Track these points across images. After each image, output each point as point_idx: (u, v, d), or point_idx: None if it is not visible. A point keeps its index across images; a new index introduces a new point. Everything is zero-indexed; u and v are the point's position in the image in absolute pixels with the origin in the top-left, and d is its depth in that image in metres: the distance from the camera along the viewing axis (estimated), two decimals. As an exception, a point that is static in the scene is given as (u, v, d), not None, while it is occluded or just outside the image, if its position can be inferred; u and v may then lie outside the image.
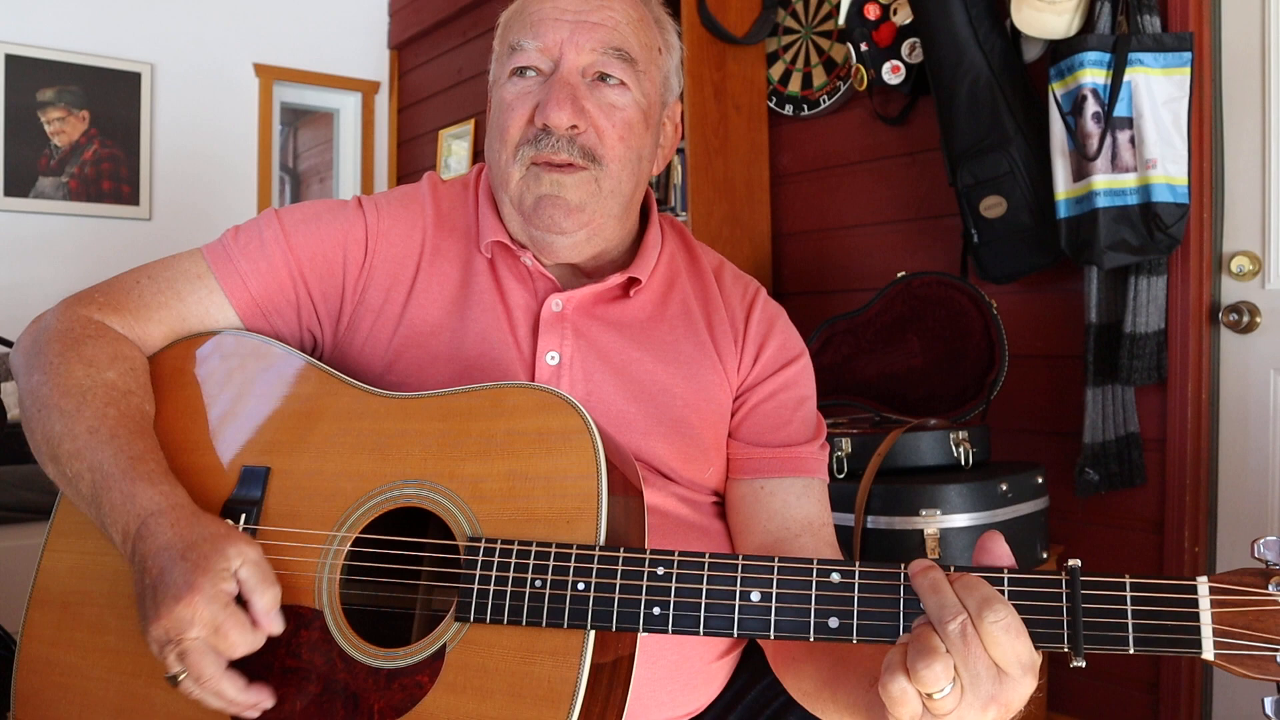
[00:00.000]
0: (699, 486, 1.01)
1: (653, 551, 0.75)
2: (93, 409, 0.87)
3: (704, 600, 0.73)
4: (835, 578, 0.71)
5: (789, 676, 0.92)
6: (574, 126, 0.95)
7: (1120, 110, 1.89)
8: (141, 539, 0.80)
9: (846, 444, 1.90)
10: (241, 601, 0.78)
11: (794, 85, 2.77)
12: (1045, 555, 1.92)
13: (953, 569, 0.68)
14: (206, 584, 0.75)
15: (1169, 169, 1.87)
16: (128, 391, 0.91)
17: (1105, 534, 2.15)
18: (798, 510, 1.00)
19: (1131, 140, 1.89)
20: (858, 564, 0.71)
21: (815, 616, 0.71)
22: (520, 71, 0.98)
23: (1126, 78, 1.88)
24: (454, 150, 4.16)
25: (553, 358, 0.98)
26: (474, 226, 1.05)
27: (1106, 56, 1.89)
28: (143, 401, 0.92)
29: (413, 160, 4.54)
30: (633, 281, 1.03)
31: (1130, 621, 0.65)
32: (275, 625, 0.78)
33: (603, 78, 0.97)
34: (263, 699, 0.78)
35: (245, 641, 0.76)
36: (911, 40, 2.37)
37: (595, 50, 0.96)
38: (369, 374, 0.99)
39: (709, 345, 1.04)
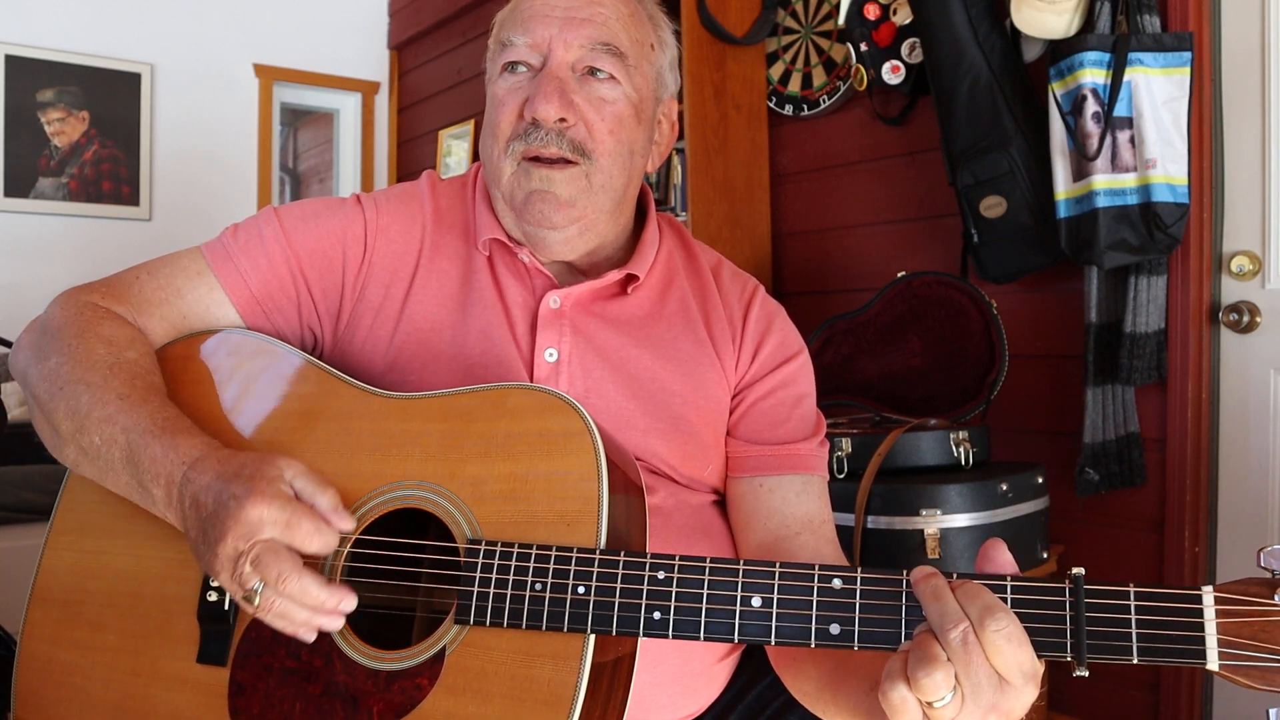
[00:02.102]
0: (698, 484, 1.01)
1: (653, 555, 0.75)
2: (120, 379, 0.87)
3: (705, 605, 0.73)
4: (837, 584, 0.71)
5: (790, 677, 0.92)
6: (563, 120, 0.95)
7: (1120, 110, 1.89)
8: (189, 481, 0.79)
9: (846, 444, 1.90)
10: None
11: (794, 85, 2.77)
12: (1045, 555, 1.92)
13: (955, 576, 0.68)
14: (266, 486, 0.75)
15: (1169, 169, 1.87)
16: (149, 370, 0.91)
17: (1105, 534, 2.15)
18: (797, 508, 1.00)
19: (1131, 140, 1.89)
20: (859, 570, 0.71)
21: (816, 623, 0.71)
22: (511, 67, 0.99)
23: (1126, 77, 1.87)
24: (454, 150, 4.16)
25: (551, 355, 0.98)
26: (472, 224, 1.05)
27: (1106, 56, 1.89)
28: (161, 382, 0.92)
29: (413, 160, 4.54)
30: (631, 278, 1.03)
31: (1134, 631, 0.65)
32: (345, 521, 0.78)
33: (592, 72, 0.97)
34: (346, 596, 0.76)
35: (319, 533, 0.75)
36: (911, 40, 2.37)
37: (584, 45, 0.96)
38: (370, 371, 0.99)
39: (707, 343, 1.04)
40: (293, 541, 0.74)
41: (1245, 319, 1.97)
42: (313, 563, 0.83)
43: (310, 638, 0.77)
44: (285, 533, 0.74)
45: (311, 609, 0.75)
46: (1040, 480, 1.91)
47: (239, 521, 0.73)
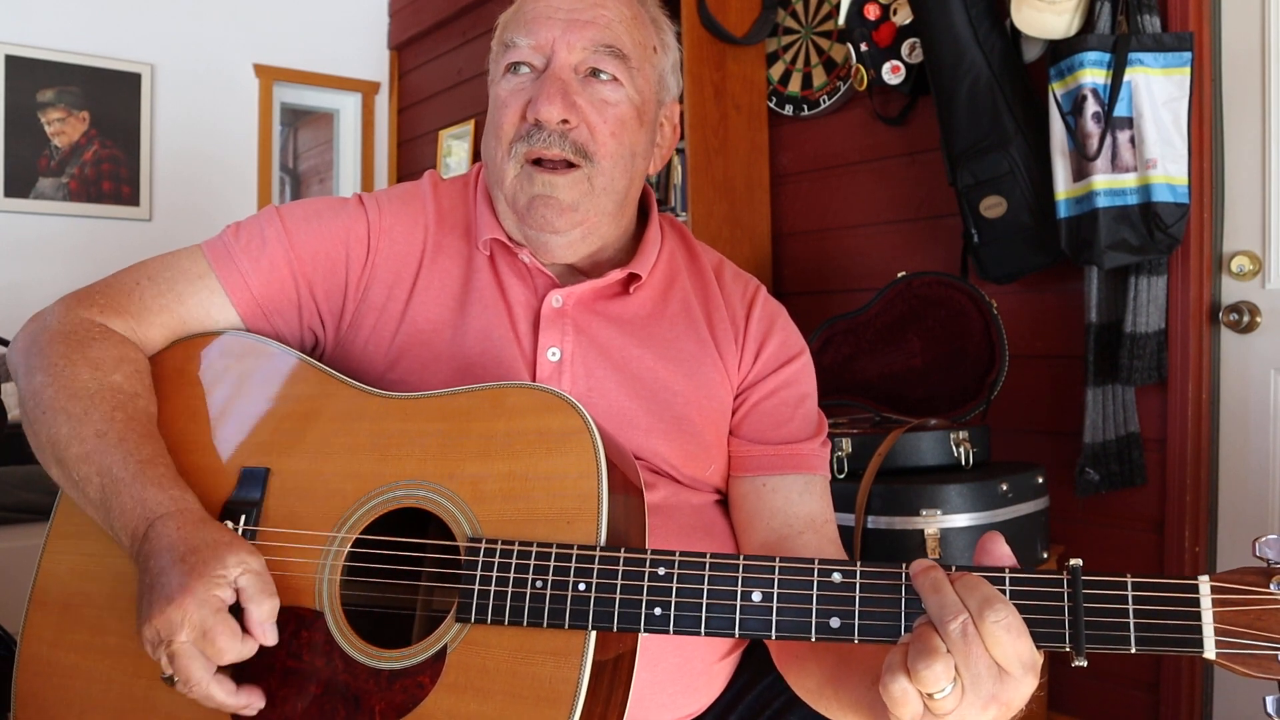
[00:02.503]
0: (700, 484, 1.01)
1: (654, 552, 0.75)
2: (100, 412, 0.87)
3: (705, 600, 0.73)
4: (837, 578, 0.71)
5: (793, 674, 0.92)
6: (565, 121, 0.95)
7: (1120, 110, 1.89)
8: (147, 540, 0.80)
9: (847, 444, 1.90)
10: (238, 611, 0.77)
11: (794, 85, 2.77)
12: (1045, 555, 1.92)
13: (954, 569, 0.68)
14: (200, 588, 0.75)
15: (1169, 169, 1.87)
16: (134, 394, 0.91)
17: (1105, 534, 2.15)
18: (800, 507, 1.00)
19: (1131, 140, 1.89)
20: (859, 564, 0.71)
21: (817, 616, 0.71)
22: (514, 68, 0.99)
23: (1126, 78, 1.88)
24: (454, 150, 4.16)
25: (554, 354, 0.98)
26: (473, 224, 1.05)
27: (1106, 56, 1.89)
28: (148, 404, 0.92)
29: (413, 161, 4.54)
30: (633, 278, 1.03)
31: (1132, 621, 0.65)
32: (268, 636, 0.78)
33: (595, 74, 0.97)
34: (254, 700, 0.78)
35: (233, 649, 0.76)
36: (911, 40, 2.37)
37: (587, 47, 0.96)
38: (371, 372, 0.99)
39: (709, 343, 1.04)
40: (205, 652, 0.75)
41: (1245, 319, 1.97)
42: (310, 563, 0.83)
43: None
44: (200, 642, 0.75)
45: (218, 706, 0.77)
46: (1040, 480, 1.91)
47: (162, 615, 0.75)
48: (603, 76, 0.97)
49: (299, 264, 1.00)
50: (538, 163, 0.97)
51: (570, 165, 0.97)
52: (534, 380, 0.97)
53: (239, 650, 0.76)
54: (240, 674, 0.79)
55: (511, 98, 0.98)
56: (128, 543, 0.82)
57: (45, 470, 0.91)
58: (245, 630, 0.77)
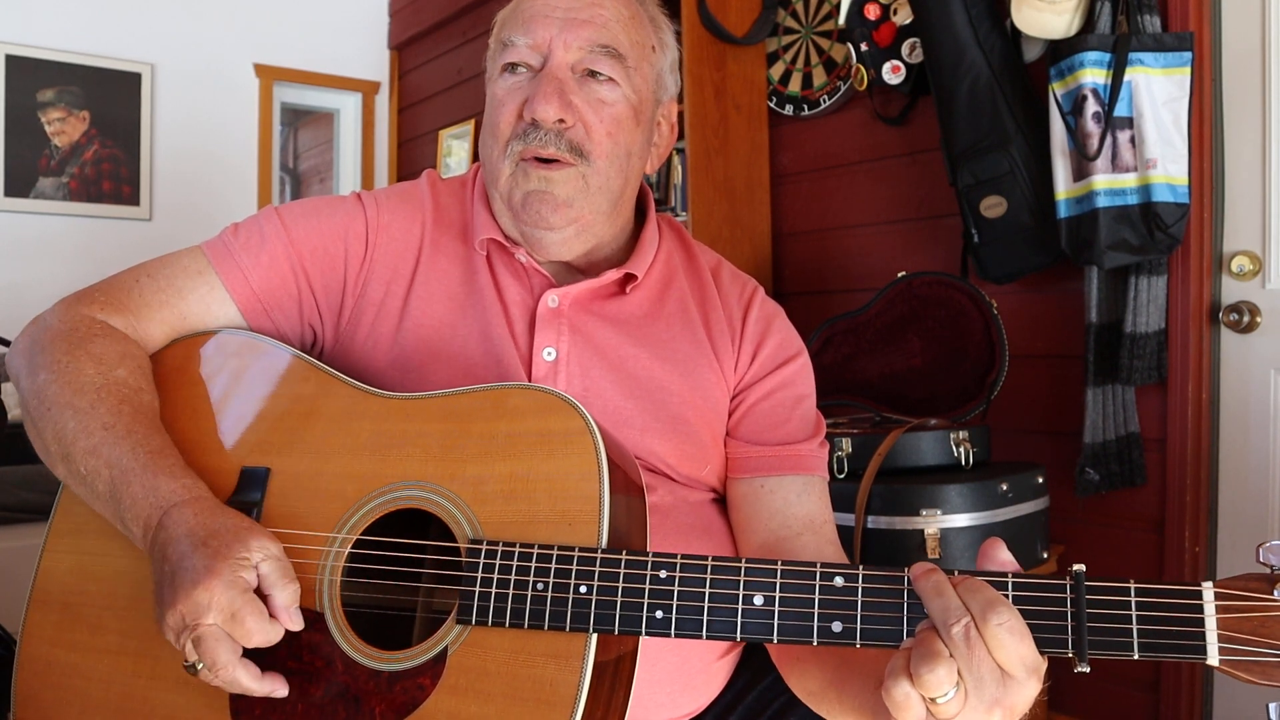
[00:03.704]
0: (697, 484, 1.01)
1: (655, 554, 0.74)
2: (107, 406, 0.87)
3: (707, 604, 0.73)
4: (839, 581, 0.71)
5: (793, 676, 0.92)
6: (561, 121, 0.95)
7: (1120, 110, 1.89)
8: (163, 528, 0.80)
9: (847, 444, 1.90)
10: (259, 597, 0.77)
11: (794, 85, 2.77)
12: (1045, 555, 1.92)
13: (956, 572, 0.68)
14: (226, 570, 0.75)
15: (1169, 169, 1.87)
16: (138, 389, 0.91)
17: (1105, 534, 2.15)
18: (798, 508, 1.00)
19: (1132, 140, 1.89)
20: (861, 568, 0.71)
21: (819, 620, 0.71)
22: (511, 68, 0.99)
23: (1127, 77, 1.87)
24: (454, 150, 4.15)
25: (549, 354, 0.98)
26: (470, 223, 1.05)
27: (1107, 56, 1.89)
28: (152, 399, 0.92)
29: (413, 160, 4.54)
30: (629, 278, 1.03)
31: (1135, 627, 0.65)
32: (294, 621, 0.78)
33: (592, 74, 0.97)
34: (277, 687, 0.78)
35: (262, 631, 0.76)
36: (911, 40, 2.37)
37: (583, 47, 0.96)
38: (370, 370, 0.99)
39: (706, 343, 1.04)
40: (233, 634, 0.75)
41: (1245, 319, 1.97)
42: (311, 564, 0.83)
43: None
44: (228, 623, 0.75)
45: (242, 691, 0.77)
46: (1040, 480, 1.91)
47: (189, 598, 0.74)
48: (599, 76, 0.97)
49: (298, 258, 1.00)
50: (534, 160, 0.97)
51: (566, 163, 0.97)
52: (530, 380, 0.97)
53: (266, 633, 0.76)
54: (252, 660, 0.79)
55: (508, 97, 0.98)
56: (140, 533, 0.82)
57: (49, 469, 0.91)
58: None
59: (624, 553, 0.75)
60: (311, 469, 0.87)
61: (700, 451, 1.00)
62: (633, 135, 1.00)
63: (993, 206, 2.14)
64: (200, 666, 0.75)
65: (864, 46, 2.45)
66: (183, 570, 0.76)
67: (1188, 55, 1.88)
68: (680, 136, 2.73)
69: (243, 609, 0.75)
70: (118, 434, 0.85)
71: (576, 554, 0.75)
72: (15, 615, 0.96)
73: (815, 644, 0.70)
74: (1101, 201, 1.90)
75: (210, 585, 0.74)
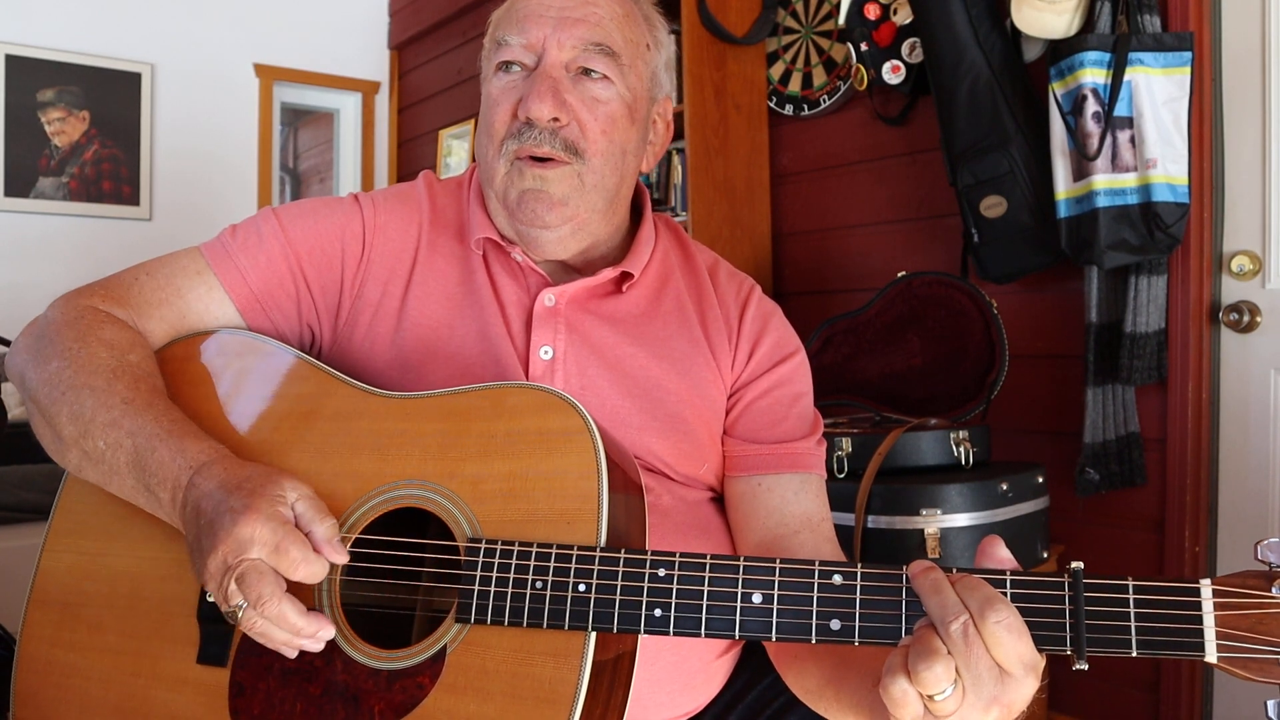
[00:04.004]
0: (695, 483, 1.01)
1: (654, 553, 0.75)
2: (124, 383, 0.87)
3: (705, 602, 0.73)
4: (837, 579, 0.71)
5: (792, 675, 0.92)
6: (556, 119, 0.95)
7: (1120, 110, 1.89)
8: (194, 486, 0.80)
9: (847, 444, 1.90)
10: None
11: (794, 85, 2.77)
12: (1045, 555, 1.92)
13: (954, 570, 0.68)
14: (264, 504, 0.75)
15: (1169, 169, 1.87)
16: (151, 373, 0.91)
17: (1105, 534, 2.15)
18: (796, 506, 1.00)
19: (1132, 140, 1.89)
20: (859, 566, 0.71)
21: (817, 618, 0.71)
22: (505, 67, 0.99)
23: (1126, 77, 1.87)
24: (454, 150, 4.16)
25: (546, 352, 0.98)
26: (466, 223, 1.05)
27: (1107, 56, 1.89)
28: (163, 385, 0.92)
29: (413, 160, 4.54)
30: (626, 277, 1.03)
31: (1133, 624, 0.65)
32: (338, 554, 0.78)
33: (586, 72, 0.97)
34: (324, 626, 0.76)
35: (307, 561, 0.75)
36: (911, 40, 2.37)
37: (577, 46, 0.96)
38: (369, 370, 0.99)
39: (703, 342, 1.04)
40: (279, 566, 0.74)
41: (1245, 319, 1.97)
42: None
43: (291, 654, 0.78)
44: (273, 556, 0.74)
45: (290, 633, 0.75)
46: (1040, 480, 1.91)
47: (230, 536, 0.74)
48: (594, 75, 0.98)
49: (295, 259, 1.00)
50: (529, 158, 0.97)
51: (561, 161, 0.97)
52: (527, 379, 0.97)
53: (312, 564, 0.75)
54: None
55: (503, 96, 0.98)
56: (169, 496, 0.82)
57: (58, 461, 0.91)
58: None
59: (622, 551, 0.75)
60: (311, 468, 0.87)
61: (698, 450, 1.00)
62: (628, 133, 1.01)
63: (993, 206, 2.14)
64: (243, 609, 0.74)
65: (864, 46, 2.45)
66: (220, 515, 0.75)
67: (1188, 55, 1.88)
68: (680, 136, 2.74)
69: (285, 539, 0.75)
70: (138, 406, 0.85)
71: (575, 552, 0.76)
72: (15, 615, 0.96)
73: (814, 642, 0.70)
74: (1101, 201, 1.90)
75: (251, 520, 0.74)
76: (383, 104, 4.68)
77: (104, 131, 3.90)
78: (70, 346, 0.90)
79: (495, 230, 1.02)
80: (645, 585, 0.74)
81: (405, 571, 0.84)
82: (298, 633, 0.75)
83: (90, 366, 0.88)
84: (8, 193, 3.72)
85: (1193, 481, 2.00)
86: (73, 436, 0.87)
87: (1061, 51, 1.95)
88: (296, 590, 0.78)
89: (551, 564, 0.76)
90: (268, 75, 4.29)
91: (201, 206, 4.07)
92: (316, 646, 0.77)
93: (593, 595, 0.74)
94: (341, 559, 0.78)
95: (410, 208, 1.06)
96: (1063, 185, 1.98)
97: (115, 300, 0.97)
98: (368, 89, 4.63)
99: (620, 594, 0.74)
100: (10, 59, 3.71)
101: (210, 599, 0.81)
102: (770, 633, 0.71)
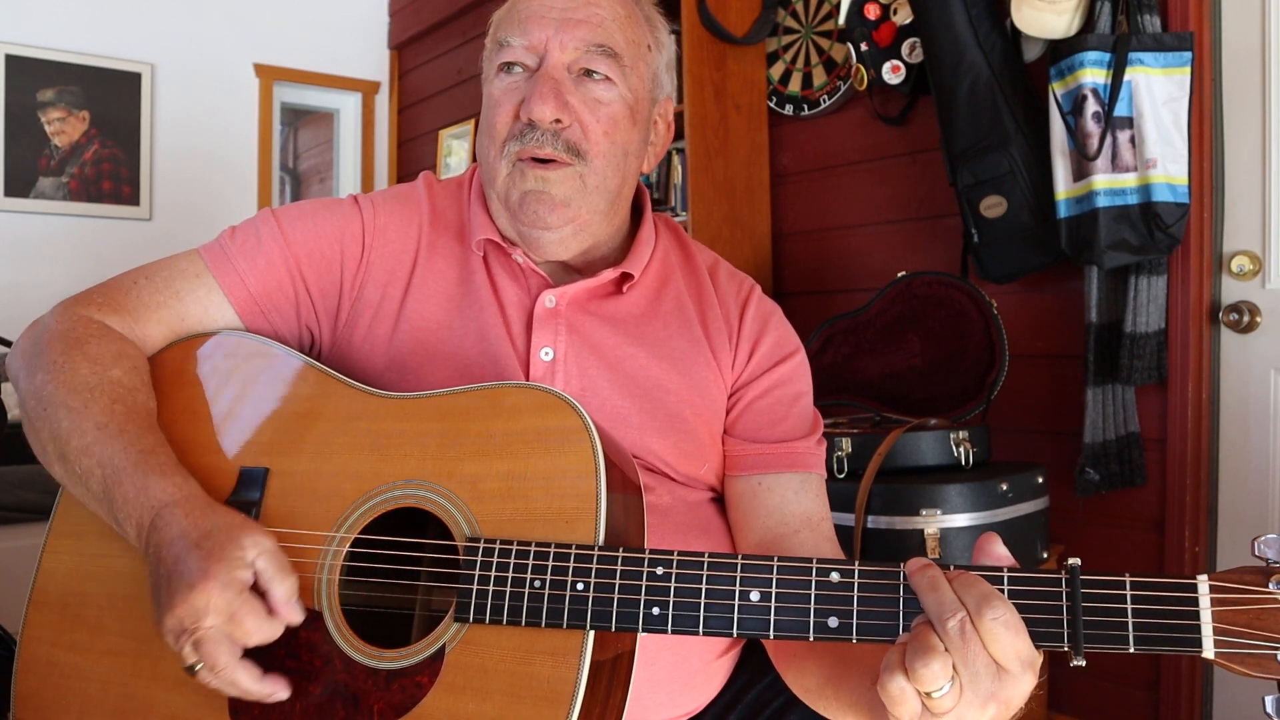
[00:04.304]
0: (695, 482, 1.01)
1: (652, 551, 0.75)
2: (100, 405, 0.87)
3: (703, 600, 0.73)
4: (835, 577, 0.71)
5: (791, 674, 0.92)
6: (558, 121, 0.95)
7: (1120, 110, 1.89)
8: (156, 529, 0.80)
9: (847, 444, 1.90)
10: (257, 593, 0.77)
11: (794, 85, 2.77)
12: (1045, 555, 1.92)
13: (952, 567, 0.68)
14: (221, 571, 0.75)
15: (1169, 169, 1.87)
16: (133, 389, 0.91)
17: (1105, 534, 2.15)
18: (795, 506, 1.00)
19: (1132, 140, 1.89)
20: (857, 563, 0.71)
21: (815, 616, 0.71)
22: (507, 68, 0.99)
23: (1127, 77, 1.87)
24: (454, 150, 4.16)
25: (547, 353, 0.98)
26: (467, 224, 1.05)
27: (1107, 56, 1.89)
28: (148, 399, 0.92)
29: (413, 160, 4.54)
30: (626, 277, 1.03)
31: (1130, 620, 0.65)
32: (294, 615, 0.78)
33: (588, 73, 0.98)
34: (279, 689, 0.78)
35: (261, 629, 0.76)
36: (911, 40, 2.37)
37: (579, 47, 0.96)
38: (368, 371, 0.99)
39: (703, 342, 1.04)
40: (233, 635, 0.75)
41: (1245, 319, 1.97)
42: (309, 563, 0.83)
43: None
44: (228, 624, 0.75)
45: (241, 694, 0.77)
46: (1040, 480, 1.91)
47: (186, 602, 0.74)
48: (595, 76, 0.98)
49: (294, 261, 1.00)
50: (531, 160, 0.97)
51: (563, 162, 0.97)
52: (528, 380, 0.97)
53: (266, 631, 0.76)
54: (254, 661, 0.79)
55: (505, 97, 0.98)
56: (134, 534, 0.82)
57: (48, 470, 0.91)
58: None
59: (620, 550, 0.75)
60: (310, 468, 0.88)
61: (698, 450, 1.00)
62: (629, 134, 1.01)
63: (993, 206, 2.14)
64: (200, 668, 0.75)
65: (864, 46, 2.45)
66: (178, 574, 0.76)
67: (1188, 55, 1.88)
68: (680, 136, 2.73)
69: (240, 609, 0.75)
70: (110, 433, 0.85)
71: (573, 551, 0.76)
72: (15, 616, 0.96)
73: (811, 639, 0.71)
74: (1101, 201, 1.90)
75: (207, 588, 0.74)
76: (383, 104, 4.68)
77: (104, 131, 3.90)
78: (55, 360, 0.90)
79: (496, 231, 1.02)
80: (643, 584, 0.74)
81: (404, 571, 0.84)
82: (250, 695, 0.77)
83: (70, 384, 0.88)
84: (8, 193, 3.72)
85: (1193, 481, 2.00)
86: (54, 454, 0.88)
87: (1061, 51, 1.95)
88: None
89: (550, 563, 0.76)
90: (268, 75, 4.29)
91: (201, 206, 4.07)
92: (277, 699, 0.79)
93: (591, 594, 0.74)
94: (297, 619, 0.78)
95: (410, 209, 1.06)
96: (1063, 185, 1.98)
97: (112, 306, 0.97)
98: (368, 89, 4.63)
99: (618, 593, 0.74)
100: (10, 59, 3.71)
101: None
102: (768, 630, 0.71)
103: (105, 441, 0.85)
